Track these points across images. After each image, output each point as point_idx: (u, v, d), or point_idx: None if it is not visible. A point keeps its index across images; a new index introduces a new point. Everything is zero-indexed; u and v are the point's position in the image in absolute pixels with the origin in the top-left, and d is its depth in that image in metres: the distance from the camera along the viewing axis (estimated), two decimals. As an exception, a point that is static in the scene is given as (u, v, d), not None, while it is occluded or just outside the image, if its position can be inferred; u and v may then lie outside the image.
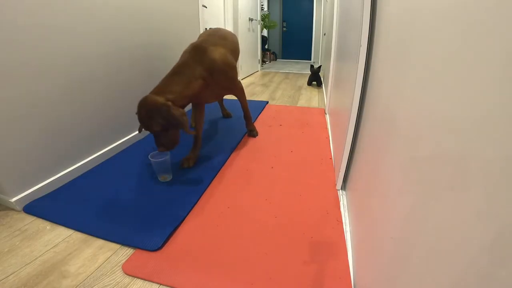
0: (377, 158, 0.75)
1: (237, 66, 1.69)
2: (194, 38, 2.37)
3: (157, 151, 1.29)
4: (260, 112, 2.40)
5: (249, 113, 1.87)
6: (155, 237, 0.96)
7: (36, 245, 0.96)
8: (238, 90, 1.71)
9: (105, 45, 1.45)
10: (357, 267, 0.82)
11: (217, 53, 1.40)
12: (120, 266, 0.87)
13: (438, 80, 0.42)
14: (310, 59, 6.81)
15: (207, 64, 1.36)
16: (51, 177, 1.25)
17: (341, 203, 1.16)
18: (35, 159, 1.18)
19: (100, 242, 0.97)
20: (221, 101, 2.30)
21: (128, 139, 1.72)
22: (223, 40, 1.56)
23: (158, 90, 1.22)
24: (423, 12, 0.51)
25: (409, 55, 0.56)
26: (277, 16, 6.71)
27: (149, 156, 1.28)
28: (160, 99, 1.17)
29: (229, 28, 3.64)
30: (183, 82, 1.27)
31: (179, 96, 1.24)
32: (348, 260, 0.88)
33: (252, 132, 1.90)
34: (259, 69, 5.14)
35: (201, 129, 1.60)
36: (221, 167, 1.46)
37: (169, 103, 1.17)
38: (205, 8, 2.67)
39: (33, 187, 1.18)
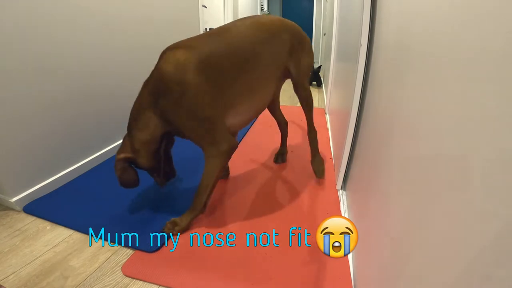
0: (377, 158, 0.75)
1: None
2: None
3: None
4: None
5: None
6: (154, 238, 0.96)
7: (36, 245, 0.96)
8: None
9: (104, 46, 1.45)
10: (357, 267, 0.82)
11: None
12: (120, 266, 0.87)
13: (438, 80, 0.42)
14: (310, 59, 6.81)
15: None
16: (51, 177, 1.25)
17: (341, 203, 1.16)
18: (35, 159, 1.18)
19: (100, 242, 0.97)
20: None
21: (128, 139, 1.72)
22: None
23: (123, 145, 1.01)
24: (423, 12, 0.51)
25: (409, 55, 0.56)
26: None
27: None
28: (118, 156, 0.99)
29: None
30: (137, 121, 0.94)
31: (137, 149, 0.96)
32: (348, 260, 0.88)
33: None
34: (259, 69, 5.12)
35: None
36: (221, 167, 1.46)
37: (123, 161, 0.98)
38: (205, 8, 2.67)
39: (33, 187, 1.18)
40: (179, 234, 0.99)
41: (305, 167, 1.47)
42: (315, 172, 1.32)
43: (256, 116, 1.11)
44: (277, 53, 1.02)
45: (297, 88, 1.21)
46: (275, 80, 1.08)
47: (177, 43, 0.90)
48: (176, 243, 0.95)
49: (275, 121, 1.81)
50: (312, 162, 1.33)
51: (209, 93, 0.86)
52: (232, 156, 0.98)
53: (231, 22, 1.00)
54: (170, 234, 0.98)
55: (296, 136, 1.88)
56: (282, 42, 1.03)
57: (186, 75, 0.84)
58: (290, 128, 2.02)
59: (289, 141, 1.80)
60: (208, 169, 0.95)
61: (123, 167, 0.99)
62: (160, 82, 0.87)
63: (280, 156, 1.52)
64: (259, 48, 0.95)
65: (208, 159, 0.94)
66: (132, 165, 1.04)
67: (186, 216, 1.00)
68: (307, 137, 1.86)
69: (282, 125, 1.51)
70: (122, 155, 0.98)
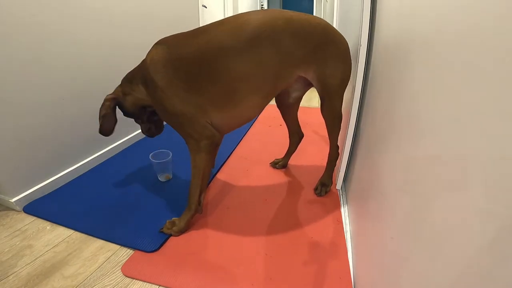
0: (377, 158, 0.75)
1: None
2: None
3: (158, 151, 1.30)
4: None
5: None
6: (154, 238, 0.96)
7: (36, 245, 0.96)
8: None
9: (105, 46, 1.45)
10: (357, 267, 0.82)
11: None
12: (120, 266, 0.87)
13: (438, 80, 0.42)
14: (310, 59, 6.79)
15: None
16: (51, 177, 1.25)
17: (341, 203, 1.16)
18: (35, 159, 1.18)
19: (100, 242, 0.97)
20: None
21: (128, 139, 1.72)
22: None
23: (114, 91, 1.07)
24: (423, 12, 0.51)
25: (409, 55, 0.56)
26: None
27: (150, 156, 1.28)
28: (107, 96, 1.04)
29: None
30: (131, 83, 1.03)
31: (126, 94, 1.02)
32: (348, 260, 0.88)
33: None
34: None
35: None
36: (221, 168, 1.46)
37: (111, 101, 1.02)
38: (205, 8, 2.67)
39: (33, 187, 1.18)
40: (178, 234, 0.99)
41: (306, 166, 1.46)
42: (316, 187, 1.23)
43: (243, 123, 1.00)
44: (267, 61, 0.84)
45: (321, 106, 1.03)
46: (268, 92, 0.92)
47: (164, 38, 0.91)
48: (176, 243, 0.96)
49: (275, 122, 1.76)
50: (321, 178, 1.24)
51: (178, 93, 0.86)
52: (214, 149, 0.96)
53: (217, 21, 0.87)
54: (170, 234, 0.98)
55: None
56: (279, 47, 0.83)
57: (156, 74, 0.87)
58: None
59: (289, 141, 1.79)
60: (192, 166, 0.95)
61: (109, 106, 1.01)
62: (144, 70, 0.92)
63: (279, 165, 1.45)
64: (232, 59, 0.82)
65: (191, 155, 0.94)
66: (117, 114, 1.07)
67: (183, 217, 1.00)
68: (306, 137, 1.84)
69: (295, 136, 1.37)
70: (111, 95, 1.01)
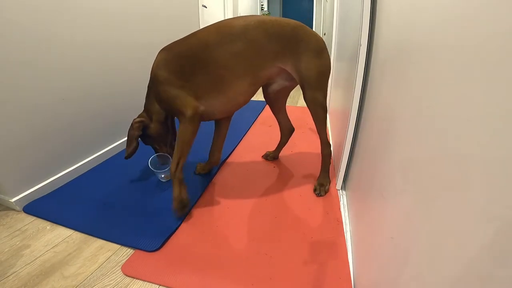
0: (377, 158, 0.75)
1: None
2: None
3: (156, 154, 1.29)
4: (260, 112, 2.41)
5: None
6: (154, 238, 0.96)
7: (36, 245, 0.96)
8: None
9: (105, 47, 1.45)
10: (357, 267, 0.82)
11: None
12: (120, 266, 0.87)
13: (438, 80, 0.42)
14: (310, 59, 6.80)
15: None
16: (51, 177, 1.25)
17: (341, 203, 1.16)
18: (35, 159, 1.18)
19: (100, 242, 0.97)
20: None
21: (128, 139, 1.72)
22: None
23: (139, 115, 1.25)
24: (424, 12, 0.51)
25: (409, 54, 0.56)
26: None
27: (149, 163, 1.27)
28: (136, 119, 1.20)
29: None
30: (148, 98, 1.22)
31: (150, 116, 1.21)
32: (348, 260, 0.88)
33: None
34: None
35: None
36: (221, 167, 1.46)
37: (139, 123, 1.19)
38: (205, 8, 2.67)
39: (33, 187, 1.18)
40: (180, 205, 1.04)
41: (305, 167, 1.46)
42: (315, 188, 1.23)
43: (236, 107, 1.14)
44: (244, 53, 1.00)
45: (303, 96, 1.11)
46: (251, 80, 1.06)
47: (167, 45, 1.09)
48: (176, 243, 0.96)
49: (275, 122, 1.77)
50: (318, 178, 1.26)
51: (175, 83, 1.04)
52: (199, 123, 1.07)
53: (205, 26, 1.05)
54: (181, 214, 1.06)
55: (296, 137, 1.88)
56: (253, 42, 1.00)
57: (159, 70, 1.05)
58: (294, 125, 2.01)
59: (289, 141, 1.79)
60: (178, 133, 1.06)
61: (139, 127, 1.18)
62: (151, 75, 1.10)
63: (270, 157, 1.55)
64: (216, 51, 1.00)
65: (179, 127, 1.06)
66: (141, 136, 1.23)
67: (173, 187, 1.07)
68: (306, 137, 1.85)
69: (285, 130, 1.47)
70: (138, 119, 1.18)
